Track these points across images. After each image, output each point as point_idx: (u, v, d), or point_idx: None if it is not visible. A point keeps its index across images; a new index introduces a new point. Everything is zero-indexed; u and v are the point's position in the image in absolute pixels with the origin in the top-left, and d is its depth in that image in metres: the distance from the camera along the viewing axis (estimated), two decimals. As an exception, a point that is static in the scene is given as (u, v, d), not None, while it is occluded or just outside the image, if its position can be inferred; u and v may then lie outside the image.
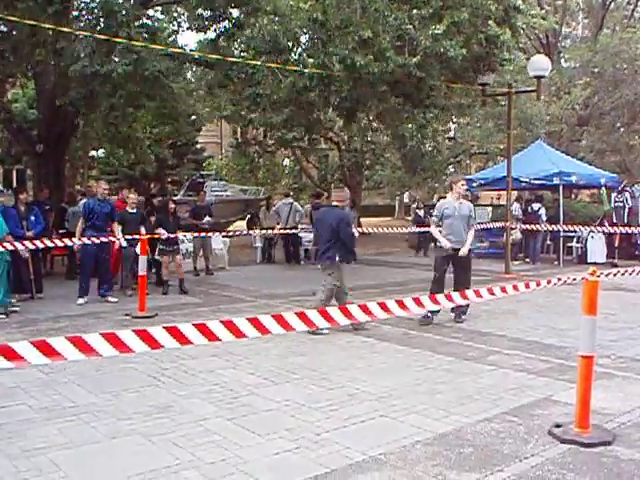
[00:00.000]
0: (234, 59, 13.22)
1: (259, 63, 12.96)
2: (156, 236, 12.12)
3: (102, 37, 11.84)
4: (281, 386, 6.22)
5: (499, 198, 26.39)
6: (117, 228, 11.71)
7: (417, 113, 14.84)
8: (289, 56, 13.41)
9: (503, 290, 4.93)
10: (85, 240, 10.63)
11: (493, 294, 4.87)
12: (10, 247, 9.53)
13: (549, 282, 5.25)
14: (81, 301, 10.82)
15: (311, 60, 12.97)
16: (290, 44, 13.29)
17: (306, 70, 12.72)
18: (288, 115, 13.90)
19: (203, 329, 3.67)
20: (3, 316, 9.59)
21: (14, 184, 32.35)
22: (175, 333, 3.59)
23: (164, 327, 3.59)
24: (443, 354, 7.52)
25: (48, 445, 4.67)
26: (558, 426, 5.02)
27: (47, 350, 3.27)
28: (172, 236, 12.28)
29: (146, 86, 13.02)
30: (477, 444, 4.75)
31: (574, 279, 5.32)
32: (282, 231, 16.56)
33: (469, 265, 9.73)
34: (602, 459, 4.51)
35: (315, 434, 4.92)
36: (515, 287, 4.96)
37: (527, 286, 5.02)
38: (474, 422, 5.21)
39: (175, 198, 18.33)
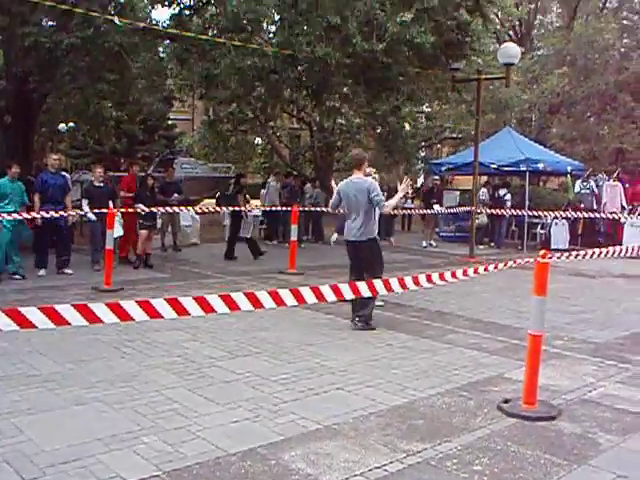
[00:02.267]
0: (189, 34, 13.14)
1: (210, 38, 12.95)
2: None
3: (63, 7, 11.75)
4: (242, 359, 6.37)
5: (451, 182, 26.26)
6: (84, 202, 11.81)
7: (387, 97, 14.92)
8: (251, 36, 13.40)
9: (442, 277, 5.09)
10: (42, 214, 10.68)
11: (420, 282, 5.03)
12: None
13: (486, 269, 5.47)
14: (42, 272, 10.97)
15: (277, 40, 13.00)
16: (252, 25, 13.24)
17: (263, 51, 12.75)
18: (235, 93, 14.01)
19: (174, 304, 3.82)
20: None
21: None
22: (146, 307, 3.74)
23: (136, 301, 3.75)
24: (403, 332, 7.74)
25: (11, 411, 4.77)
26: (507, 401, 5.25)
27: (19, 319, 3.39)
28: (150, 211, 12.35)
29: (100, 59, 12.91)
30: (428, 416, 4.96)
31: (527, 261, 5.54)
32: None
33: None
34: (546, 433, 4.74)
35: (273, 404, 5.09)
36: (454, 274, 5.16)
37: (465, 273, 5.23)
38: (427, 396, 5.42)
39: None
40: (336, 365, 6.24)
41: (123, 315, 3.68)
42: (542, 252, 5.08)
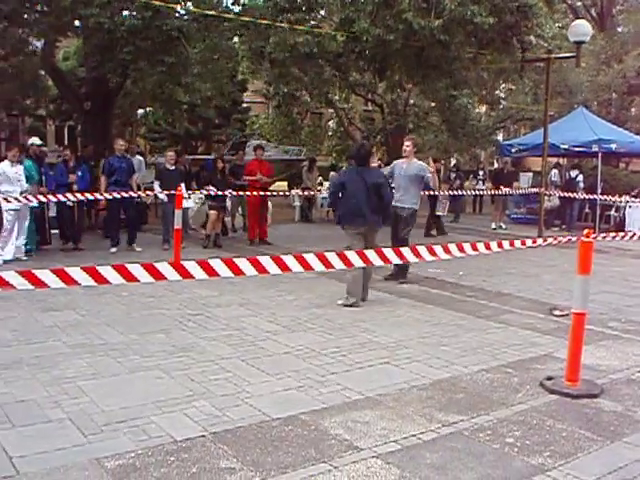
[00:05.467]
0: (244, 18, 13.41)
1: (254, 20, 13.19)
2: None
3: None
4: (297, 333, 6.63)
5: (521, 164, 25.59)
6: (156, 184, 12.33)
7: (444, 82, 14.75)
8: (308, 14, 13.60)
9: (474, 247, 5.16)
10: (114, 195, 11.25)
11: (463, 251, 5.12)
12: (54, 199, 10.29)
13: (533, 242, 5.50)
14: (113, 250, 11.64)
15: (340, 18, 13.15)
16: (309, 3, 13.42)
17: (319, 32, 12.90)
18: (289, 72, 14.30)
19: (230, 264, 4.23)
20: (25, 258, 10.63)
21: (65, 141, 33.26)
22: (205, 266, 4.15)
23: (197, 261, 4.15)
24: (457, 311, 7.84)
25: (77, 375, 5.17)
26: (550, 379, 5.32)
27: (95, 276, 3.87)
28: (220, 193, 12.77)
29: (158, 40, 13.23)
30: (469, 391, 5.09)
31: (569, 239, 5.57)
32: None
33: (405, 223, 9.52)
34: (585, 410, 4.80)
35: (320, 376, 5.32)
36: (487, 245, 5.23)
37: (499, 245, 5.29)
38: (471, 372, 5.55)
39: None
40: (387, 341, 6.43)
41: (184, 273, 4.11)
42: (586, 231, 5.11)
